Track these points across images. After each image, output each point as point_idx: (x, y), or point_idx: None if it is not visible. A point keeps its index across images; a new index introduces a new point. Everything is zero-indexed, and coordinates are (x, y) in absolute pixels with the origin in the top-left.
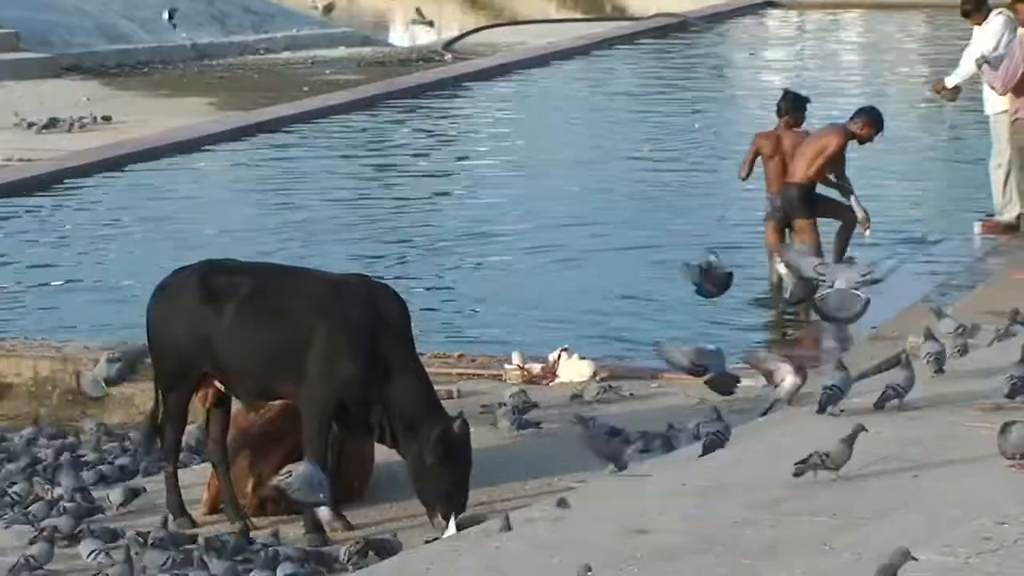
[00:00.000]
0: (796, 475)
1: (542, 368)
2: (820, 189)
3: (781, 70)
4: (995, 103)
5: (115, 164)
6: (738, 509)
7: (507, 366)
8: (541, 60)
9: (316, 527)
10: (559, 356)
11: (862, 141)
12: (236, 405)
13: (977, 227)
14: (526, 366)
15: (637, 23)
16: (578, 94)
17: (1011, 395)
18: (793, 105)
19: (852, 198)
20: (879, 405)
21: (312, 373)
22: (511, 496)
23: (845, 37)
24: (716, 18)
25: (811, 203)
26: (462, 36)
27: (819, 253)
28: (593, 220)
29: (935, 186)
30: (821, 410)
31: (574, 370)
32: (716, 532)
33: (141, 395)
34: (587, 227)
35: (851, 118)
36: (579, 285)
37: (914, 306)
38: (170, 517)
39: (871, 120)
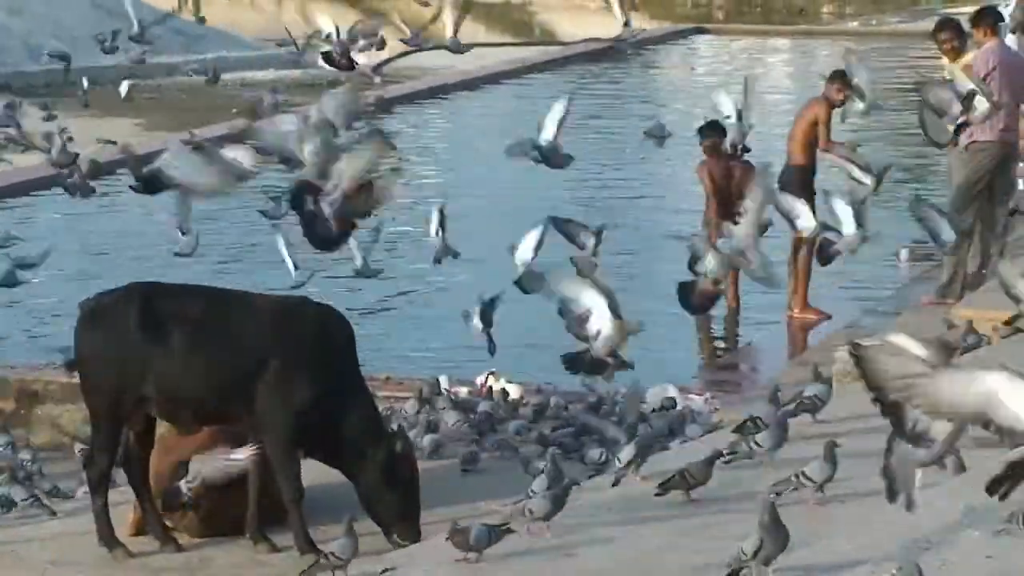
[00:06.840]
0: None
1: (469, 391)
2: None
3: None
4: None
5: (44, 184)
6: (664, 534)
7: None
8: (470, 84)
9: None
10: (487, 379)
11: (842, 105)
12: None
13: (904, 254)
14: (453, 389)
15: (567, 47)
16: (508, 118)
17: (794, 412)
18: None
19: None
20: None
21: (268, 401)
22: (436, 520)
23: (773, 62)
24: (646, 43)
25: (810, 188)
26: (392, 59)
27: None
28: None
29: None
30: (794, 414)
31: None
32: (641, 556)
33: (67, 415)
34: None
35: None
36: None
37: (839, 331)
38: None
39: (841, 82)
